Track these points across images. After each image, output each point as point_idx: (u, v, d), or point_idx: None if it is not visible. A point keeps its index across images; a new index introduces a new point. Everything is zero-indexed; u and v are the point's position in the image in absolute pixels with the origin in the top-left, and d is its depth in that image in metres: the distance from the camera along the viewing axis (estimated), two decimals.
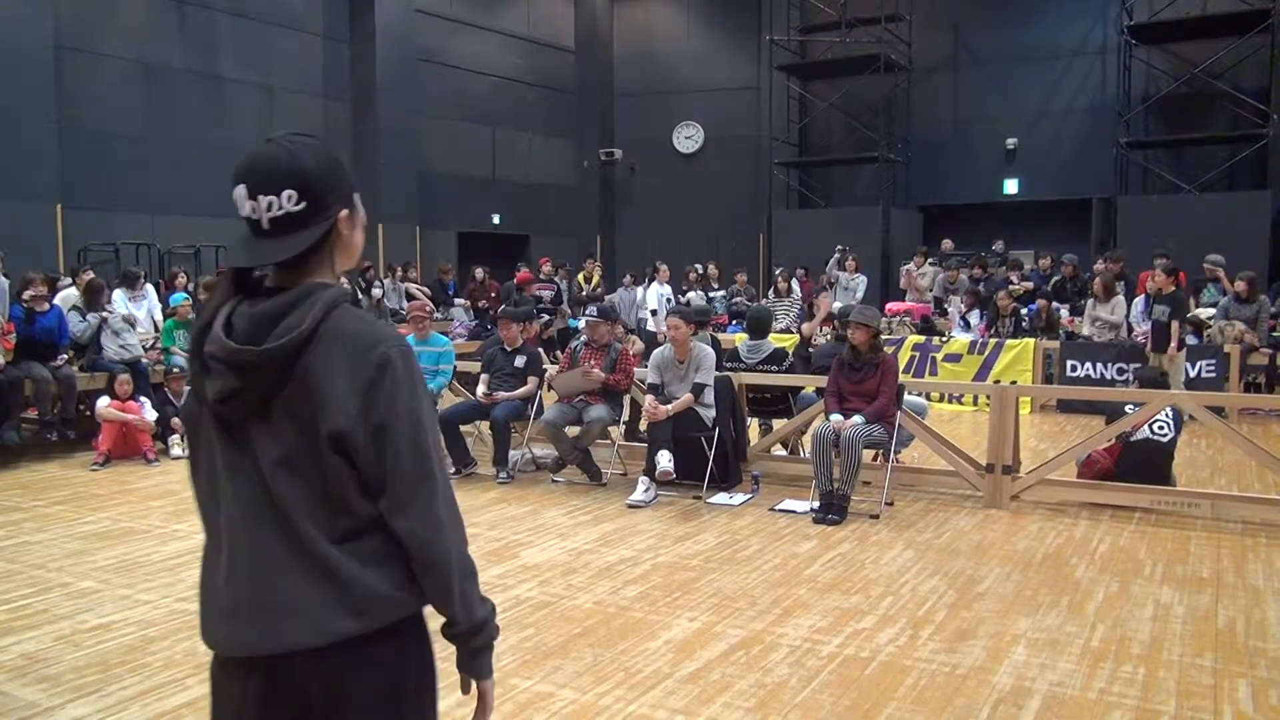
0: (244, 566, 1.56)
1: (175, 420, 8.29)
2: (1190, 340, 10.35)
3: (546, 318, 13.11)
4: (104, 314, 8.66)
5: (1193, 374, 9.96)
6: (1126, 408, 6.26)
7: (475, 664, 1.74)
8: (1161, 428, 6.19)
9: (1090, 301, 11.00)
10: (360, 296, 11.96)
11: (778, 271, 14.08)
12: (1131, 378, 9.26)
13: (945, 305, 13.14)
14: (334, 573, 1.53)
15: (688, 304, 12.68)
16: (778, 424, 7.52)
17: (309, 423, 1.53)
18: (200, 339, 1.57)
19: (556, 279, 14.48)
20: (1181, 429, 6.32)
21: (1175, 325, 9.58)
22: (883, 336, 6.84)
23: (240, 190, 1.58)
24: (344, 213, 1.65)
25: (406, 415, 1.54)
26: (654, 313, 13.30)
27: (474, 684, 1.78)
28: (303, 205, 1.58)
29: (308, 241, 1.58)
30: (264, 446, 1.55)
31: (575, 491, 6.80)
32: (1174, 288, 9.79)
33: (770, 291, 13.97)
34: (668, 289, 13.84)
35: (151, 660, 3.81)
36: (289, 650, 1.54)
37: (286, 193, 1.57)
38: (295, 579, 1.54)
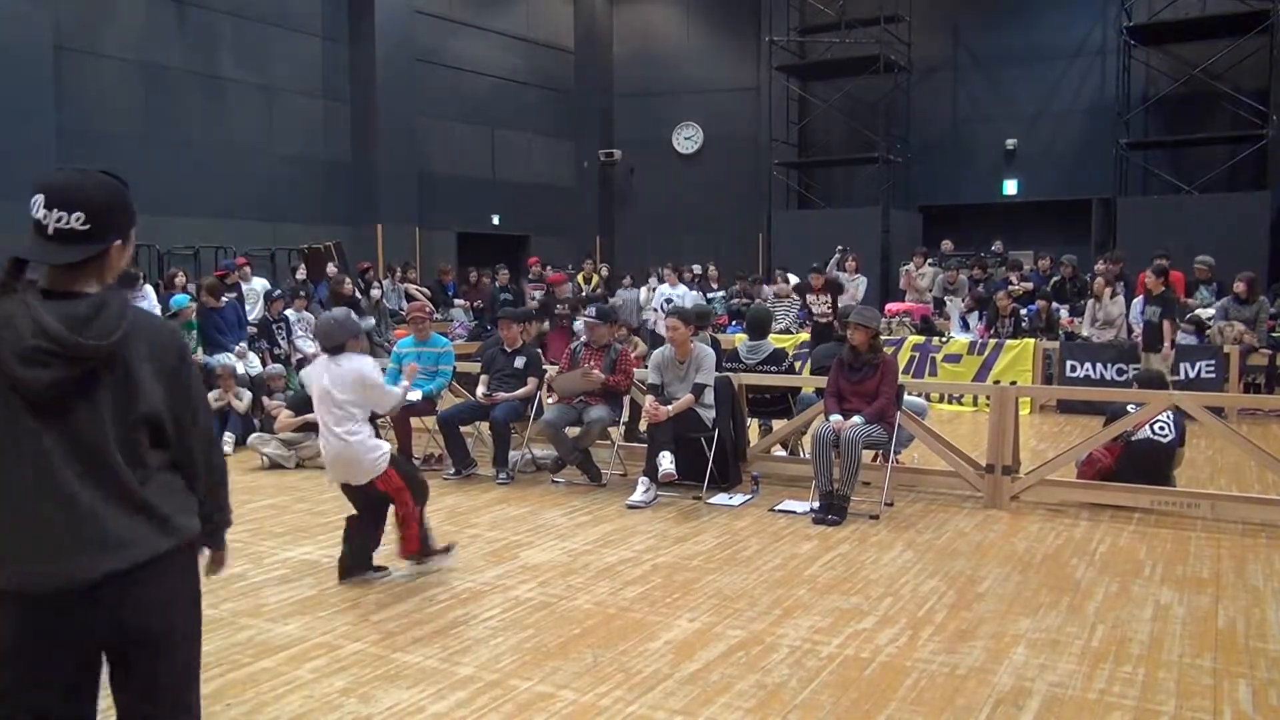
0: (68, 513, 1.94)
1: None
2: (1192, 340, 10.36)
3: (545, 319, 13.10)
4: None
5: (1192, 374, 9.96)
6: (1129, 407, 6.26)
7: (218, 541, 2.31)
8: (1162, 428, 6.19)
9: (1090, 302, 11.01)
10: (359, 297, 11.96)
11: (777, 273, 14.08)
12: (1131, 378, 9.27)
13: (945, 305, 13.14)
14: (148, 508, 2.01)
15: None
16: (777, 424, 7.51)
17: (124, 401, 1.96)
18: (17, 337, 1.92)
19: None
20: (1185, 435, 6.31)
21: (1167, 325, 9.60)
22: (882, 337, 6.84)
23: (40, 198, 1.98)
24: (117, 243, 2.07)
25: (199, 387, 2.15)
26: (664, 304, 13.26)
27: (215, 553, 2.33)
28: (87, 227, 1.99)
29: (85, 254, 1.99)
30: (83, 419, 1.94)
31: (575, 492, 6.80)
32: (1164, 288, 9.82)
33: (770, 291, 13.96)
34: (679, 289, 13.79)
35: None
36: (129, 566, 1.97)
37: (77, 214, 1.98)
38: (120, 517, 1.97)
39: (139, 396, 1.99)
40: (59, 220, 1.97)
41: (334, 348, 4.71)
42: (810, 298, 10.85)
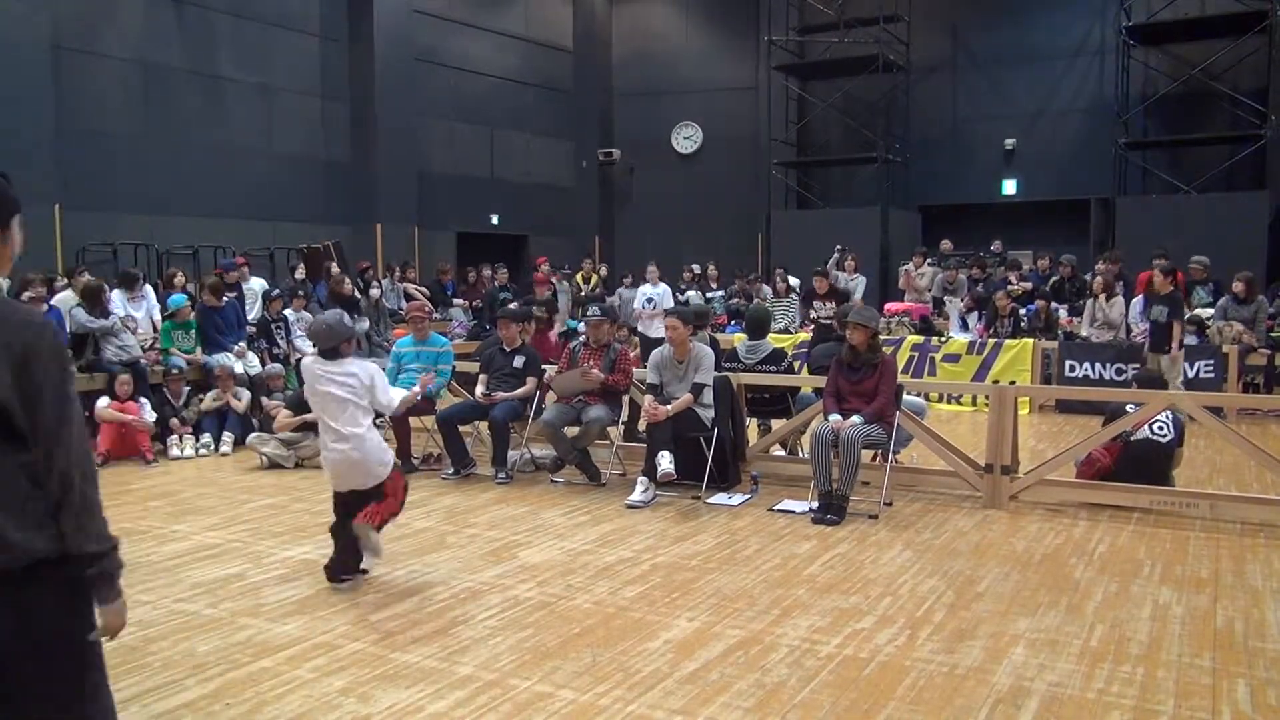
0: None
1: (174, 421, 8.30)
2: (1191, 340, 10.36)
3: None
4: (113, 320, 8.68)
5: (1191, 374, 9.97)
6: (1128, 407, 6.26)
7: (102, 592, 2.03)
8: (1161, 428, 6.19)
9: (1089, 302, 11.01)
10: (358, 296, 11.96)
11: (777, 273, 14.07)
12: (1130, 378, 9.27)
13: (944, 305, 13.14)
14: None
15: (685, 303, 12.66)
16: (776, 424, 7.52)
17: None
18: None
19: (554, 280, 14.41)
20: (1184, 436, 6.31)
21: (1176, 326, 9.57)
22: (881, 337, 6.84)
23: None
24: None
25: (51, 383, 1.93)
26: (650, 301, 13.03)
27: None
28: None
29: None
30: None
31: (574, 492, 6.80)
32: (1172, 288, 9.78)
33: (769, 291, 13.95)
34: (659, 289, 13.32)
35: (150, 660, 3.81)
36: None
37: None
38: None
39: None
40: None
41: (329, 350, 4.70)
42: (816, 303, 10.63)
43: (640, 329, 12.77)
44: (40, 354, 1.93)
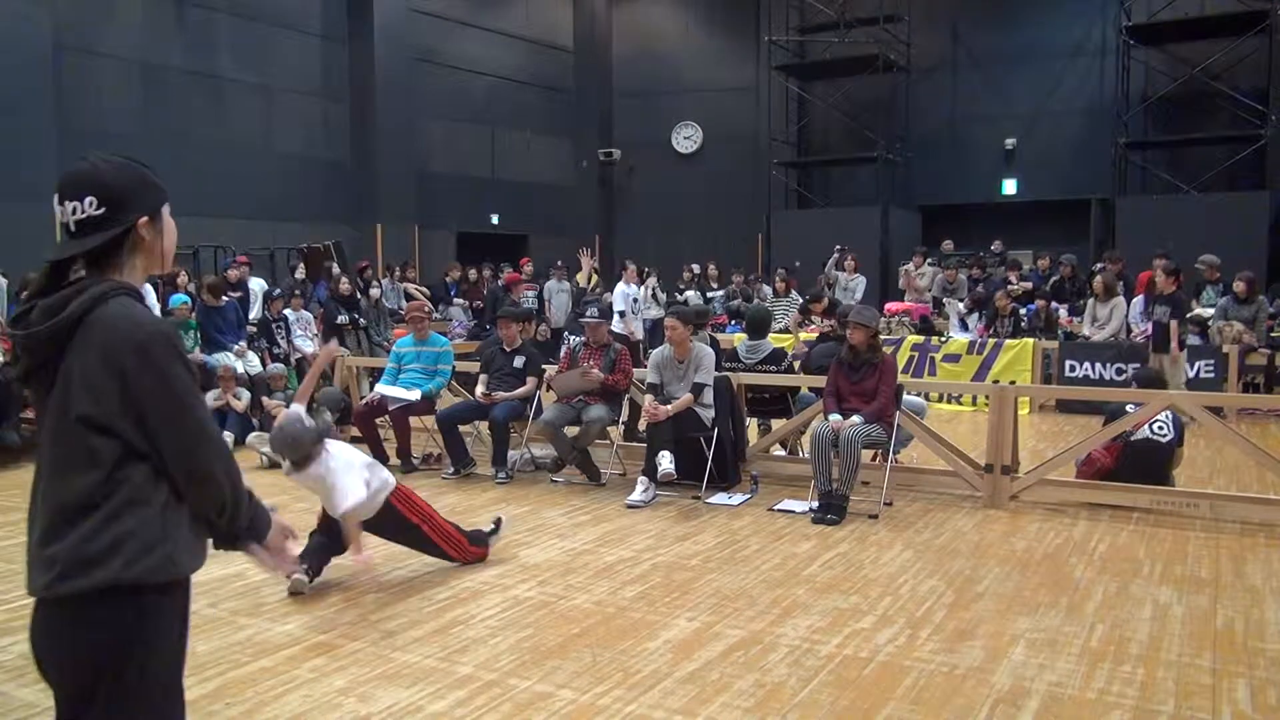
0: (35, 519, 1.85)
1: None
2: (1193, 340, 10.36)
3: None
4: None
5: (1191, 374, 9.96)
6: (1128, 407, 6.26)
7: (255, 536, 2.07)
8: (1161, 428, 6.19)
9: (1090, 301, 11.01)
10: (358, 295, 11.96)
11: (778, 274, 14.05)
12: (1130, 377, 9.25)
13: (944, 305, 13.14)
14: (54, 537, 1.79)
15: (684, 303, 12.64)
16: (777, 424, 7.52)
17: (63, 401, 1.80)
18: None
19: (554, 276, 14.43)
20: (1184, 436, 6.31)
21: (1175, 325, 9.57)
22: (881, 336, 6.84)
23: (55, 199, 1.86)
24: (144, 220, 1.90)
25: (165, 394, 1.79)
26: (621, 314, 12.66)
27: None
28: (102, 210, 1.85)
29: (103, 239, 1.85)
30: (48, 419, 1.84)
31: (574, 492, 6.80)
32: (1175, 288, 9.77)
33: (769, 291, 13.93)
34: (634, 288, 13.21)
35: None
36: (53, 596, 1.79)
37: (88, 199, 1.84)
38: (38, 536, 1.82)
39: (73, 397, 1.79)
40: (74, 211, 1.84)
41: (300, 460, 4.35)
42: (814, 317, 10.08)
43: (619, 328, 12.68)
44: (144, 370, 1.78)
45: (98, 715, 1.81)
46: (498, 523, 5.23)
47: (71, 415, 1.78)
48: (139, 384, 1.77)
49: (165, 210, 1.95)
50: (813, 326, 9.89)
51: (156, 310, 9.88)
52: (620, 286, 13.25)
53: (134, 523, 1.80)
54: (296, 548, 2.05)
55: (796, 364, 7.73)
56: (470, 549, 4.97)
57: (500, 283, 13.94)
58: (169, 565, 1.83)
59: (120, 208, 1.86)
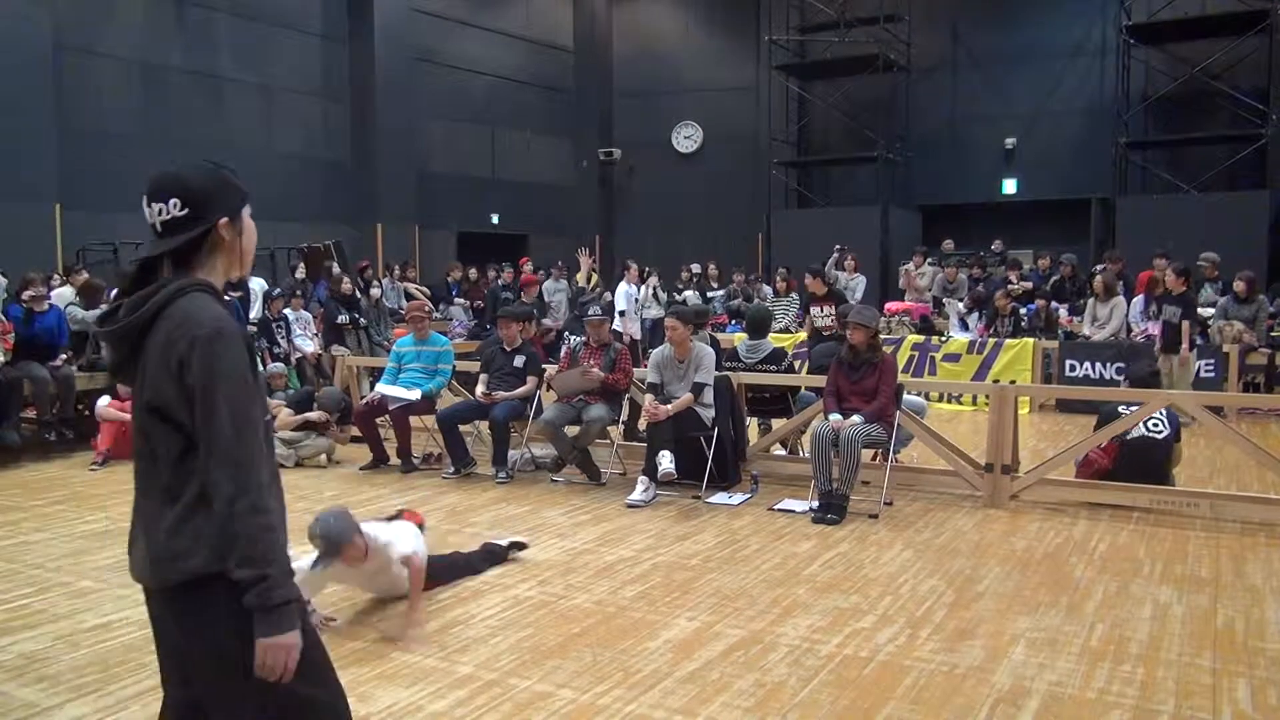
0: (138, 510, 1.98)
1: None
2: (1197, 340, 10.35)
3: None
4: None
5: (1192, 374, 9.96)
6: (1120, 409, 6.25)
7: (261, 623, 1.85)
8: (1156, 425, 6.18)
9: (1090, 301, 11.01)
10: (358, 295, 11.96)
11: (778, 273, 14.06)
12: (1122, 377, 9.23)
13: (944, 305, 13.14)
14: (153, 527, 1.89)
15: (683, 303, 12.65)
16: (777, 424, 7.51)
17: (141, 391, 1.90)
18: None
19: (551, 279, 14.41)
20: (1180, 431, 6.31)
21: (1186, 326, 9.55)
22: (881, 336, 6.84)
23: (144, 202, 1.95)
24: (224, 220, 1.96)
25: (204, 389, 1.82)
26: (622, 313, 12.87)
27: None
28: (186, 211, 1.93)
29: (186, 239, 1.93)
30: (135, 412, 1.94)
31: (574, 491, 6.80)
32: (1185, 288, 9.75)
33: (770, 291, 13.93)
34: (634, 288, 13.36)
35: (150, 660, 3.77)
36: (145, 584, 1.95)
37: (173, 200, 1.93)
38: (139, 527, 1.95)
39: (145, 388, 1.89)
40: (159, 212, 1.92)
41: (336, 547, 3.88)
42: (814, 310, 9.69)
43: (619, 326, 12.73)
44: (197, 367, 1.82)
45: (260, 687, 1.88)
46: (519, 546, 5.13)
47: (142, 405, 1.89)
48: (190, 376, 1.83)
49: (245, 212, 2.02)
50: (814, 323, 9.67)
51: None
52: (623, 286, 13.29)
53: (206, 514, 1.85)
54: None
55: (797, 363, 7.72)
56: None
57: (500, 282, 13.96)
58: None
59: (202, 209, 1.93)
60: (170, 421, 1.86)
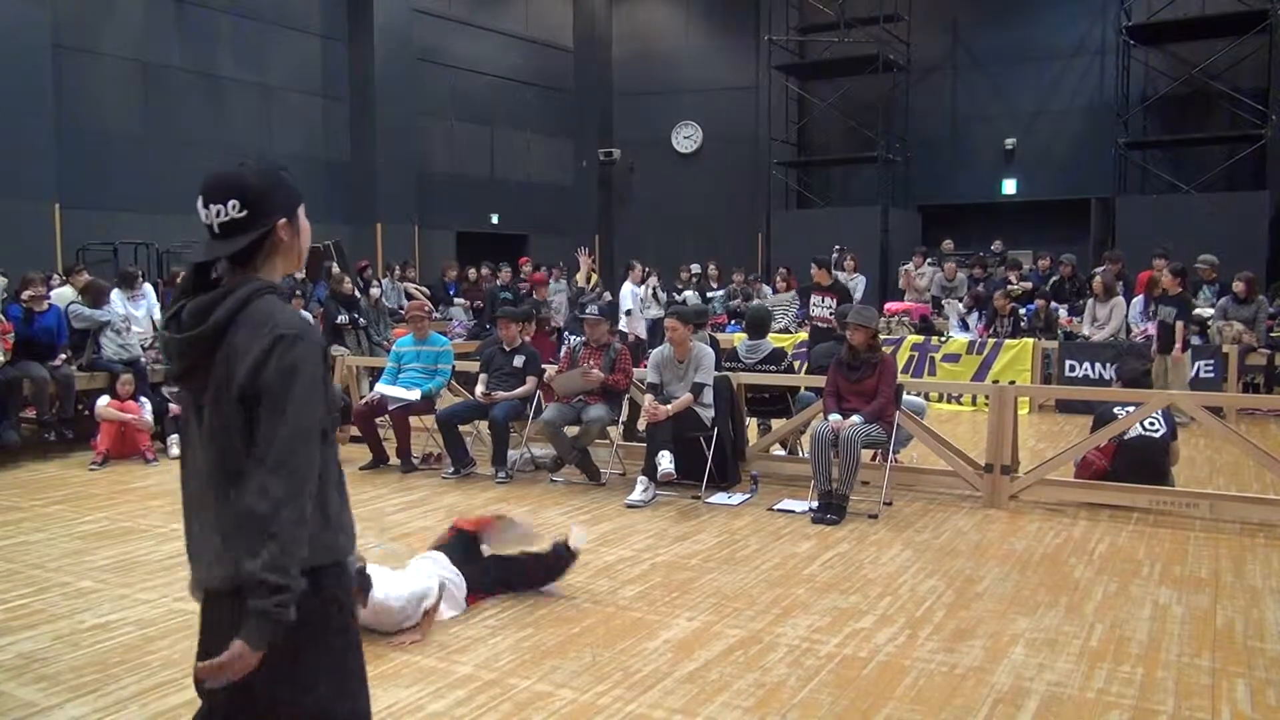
0: (193, 519, 1.96)
1: (173, 407, 8.28)
2: (1193, 340, 10.35)
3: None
4: (110, 314, 8.67)
5: (1191, 374, 9.96)
6: (1115, 410, 6.25)
7: (245, 624, 1.80)
8: (1152, 423, 6.18)
9: (1090, 301, 11.01)
10: (358, 295, 11.95)
11: (779, 274, 14.06)
12: (1114, 376, 9.22)
13: (943, 305, 13.14)
14: (224, 530, 1.85)
15: (683, 303, 12.65)
16: (776, 424, 7.51)
17: (225, 396, 1.85)
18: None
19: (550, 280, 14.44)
20: (1176, 430, 6.31)
21: (1180, 326, 9.57)
22: (881, 336, 6.84)
23: (200, 202, 1.92)
24: (283, 221, 1.95)
25: (275, 390, 1.81)
26: (628, 312, 12.97)
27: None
28: (245, 213, 1.90)
29: (246, 242, 1.90)
30: (204, 419, 1.89)
31: (574, 491, 6.80)
32: (1180, 289, 9.77)
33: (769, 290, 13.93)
34: (640, 288, 13.42)
35: (150, 660, 3.81)
36: (206, 588, 1.92)
37: (231, 202, 1.90)
38: (205, 532, 1.91)
39: (233, 386, 1.84)
40: (217, 214, 1.89)
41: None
42: (815, 297, 9.56)
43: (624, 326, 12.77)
44: (273, 371, 1.81)
45: (292, 693, 1.89)
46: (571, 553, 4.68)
47: (230, 398, 1.84)
48: (263, 374, 1.82)
49: (300, 211, 2.01)
50: (813, 312, 9.53)
51: (157, 310, 9.95)
52: (628, 285, 13.32)
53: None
54: None
55: (797, 363, 7.72)
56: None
57: (498, 282, 13.96)
58: (333, 548, 1.94)
59: (260, 210, 1.91)
60: (248, 416, 1.84)
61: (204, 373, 1.87)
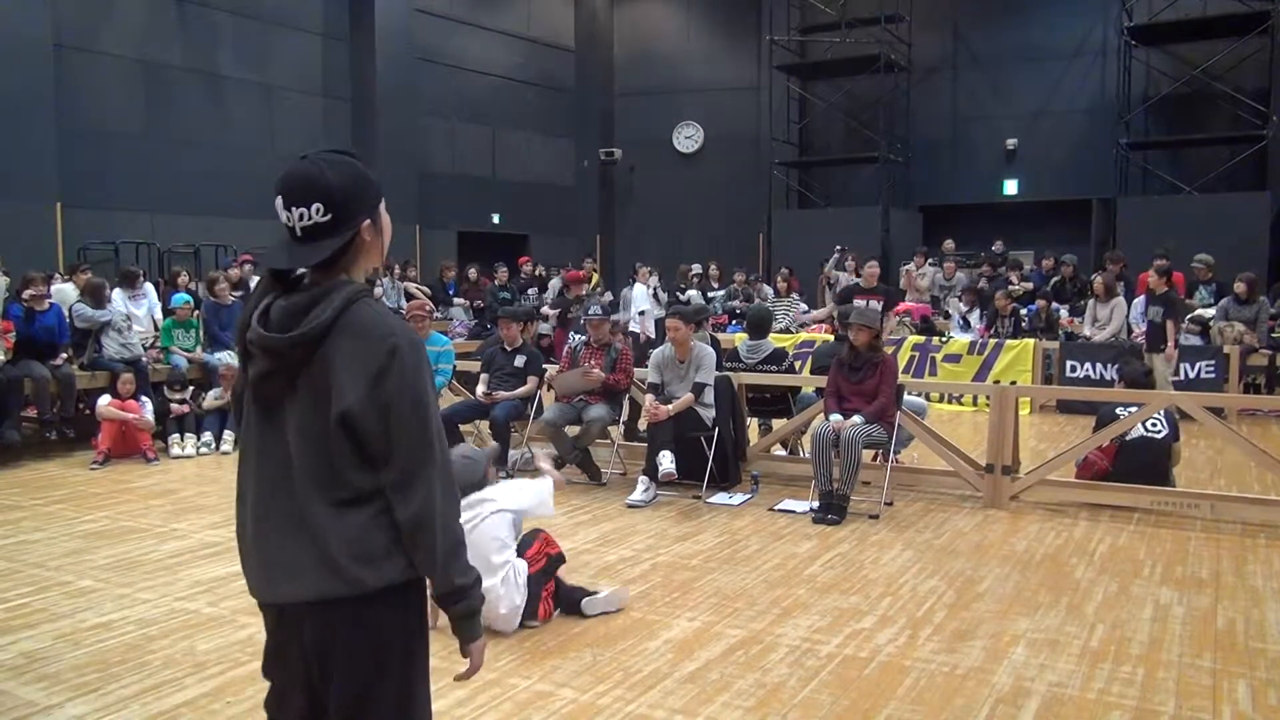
0: (261, 524, 1.87)
1: (176, 408, 8.28)
2: (1196, 341, 10.36)
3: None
4: (112, 313, 8.66)
5: (1193, 375, 9.96)
6: (1118, 410, 6.25)
7: (460, 627, 1.90)
8: (1154, 424, 6.18)
9: (1090, 302, 11.01)
10: None
11: (779, 274, 14.07)
12: (1116, 377, 9.22)
13: (943, 304, 13.13)
14: (326, 538, 1.79)
15: (686, 303, 12.67)
16: (777, 424, 7.51)
17: (324, 402, 1.79)
18: (244, 329, 1.87)
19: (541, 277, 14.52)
20: (1179, 430, 6.31)
21: (1170, 325, 9.58)
22: (882, 337, 6.84)
23: (279, 201, 1.87)
24: (366, 222, 1.90)
25: (411, 399, 1.78)
26: (642, 313, 13.11)
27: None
28: (329, 216, 1.84)
29: (332, 248, 1.84)
30: (289, 422, 1.83)
31: (575, 491, 6.80)
32: (1167, 288, 9.80)
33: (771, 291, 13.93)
34: (648, 287, 13.62)
35: (151, 659, 3.81)
36: (285, 602, 1.85)
37: (315, 205, 1.84)
38: (295, 540, 1.81)
39: (330, 402, 1.78)
40: (301, 218, 1.83)
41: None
42: (859, 300, 9.11)
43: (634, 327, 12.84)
44: (391, 376, 1.78)
45: (378, 711, 1.86)
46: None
47: (332, 414, 1.78)
48: (387, 386, 1.77)
49: (382, 207, 1.95)
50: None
51: (158, 309, 9.96)
52: (639, 286, 13.38)
53: (391, 524, 1.82)
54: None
55: (798, 363, 7.72)
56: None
57: (496, 282, 13.97)
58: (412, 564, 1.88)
59: (345, 214, 1.85)
60: (353, 429, 1.78)
61: (289, 376, 1.82)
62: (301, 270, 1.89)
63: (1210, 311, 10.89)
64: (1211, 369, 10.02)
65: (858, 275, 13.78)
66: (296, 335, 1.79)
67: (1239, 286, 10.42)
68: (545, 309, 13.17)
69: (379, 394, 1.76)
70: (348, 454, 1.79)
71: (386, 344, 1.78)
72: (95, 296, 8.64)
